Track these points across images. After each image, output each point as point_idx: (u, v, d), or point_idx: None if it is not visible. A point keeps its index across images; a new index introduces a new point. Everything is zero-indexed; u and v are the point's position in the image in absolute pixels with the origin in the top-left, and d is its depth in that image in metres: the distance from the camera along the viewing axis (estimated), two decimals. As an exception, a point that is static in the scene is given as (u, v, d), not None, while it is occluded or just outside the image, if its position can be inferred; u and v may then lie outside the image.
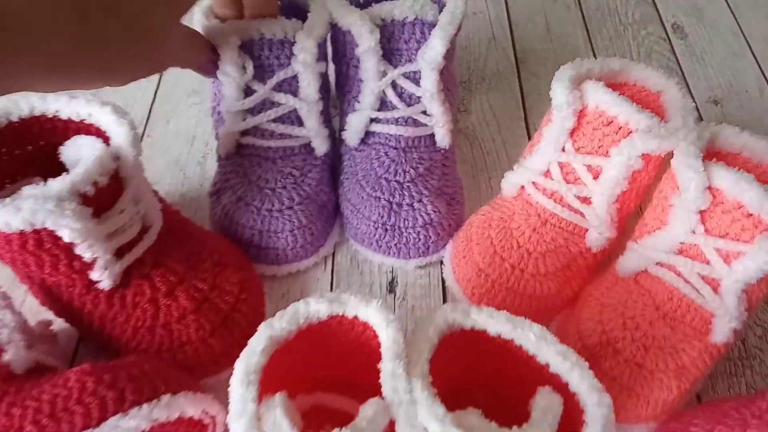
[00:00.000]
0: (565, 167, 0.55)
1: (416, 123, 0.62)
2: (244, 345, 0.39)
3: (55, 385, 0.42)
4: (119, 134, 0.48)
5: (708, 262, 0.49)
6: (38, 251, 0.45)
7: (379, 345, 0.40)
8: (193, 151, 0.73)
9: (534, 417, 0.38)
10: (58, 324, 0.54)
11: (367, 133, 0.63)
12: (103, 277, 0.48)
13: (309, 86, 0.59)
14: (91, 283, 0.48)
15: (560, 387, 0.39)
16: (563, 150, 0.55)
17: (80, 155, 0.47)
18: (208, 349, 0.51)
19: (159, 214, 0.53)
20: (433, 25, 0.57)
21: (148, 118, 0.76)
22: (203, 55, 0.56)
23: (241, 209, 0.59)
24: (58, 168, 0.50)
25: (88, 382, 0.41)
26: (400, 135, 0.62)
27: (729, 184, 0.46)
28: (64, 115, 0.50)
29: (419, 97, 0.60)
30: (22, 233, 0.43)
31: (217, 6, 0.57)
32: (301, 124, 0.61)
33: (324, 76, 0.61)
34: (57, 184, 0.43)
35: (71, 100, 0.49)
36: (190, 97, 0.78)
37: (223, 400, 0.40)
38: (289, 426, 0.36)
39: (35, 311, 0.56)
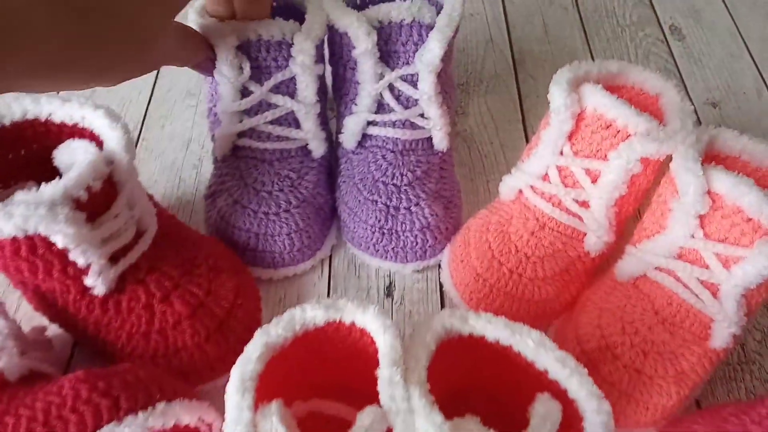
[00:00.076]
0: (564, 171, 0.55)
1: (413, 126, 0.62)
2: (240, 351, 0.39)
3: (48, 392, 0.41)
4: (113, 138, 0.47)
5: (707, 267, 0.49)
6: (31, 257, 0.44)
7: (376, 351, 0.39)
8: (188, 155, 0.72)
9: (533, 424, 0.38)
10: (53, 329, 0.53)
11: (364, 136, 0.63)
12: (97, 283, 0.47)
13: (307, 88, 0.58)
14: (86, 289, 0.48)
15: (559, 393, 0.39)
16: (561, 153, 0.55)
17: (74, 159, 0.47)
18: (204, 355, 0.51)
19: (154, 219, 0.52)
20: (430, 27, 0.57)
21: (143, 121, 0.75)
22: (200, 54, 0.55)
23: (238, 212, 0.59)
24: (51, 172, 0.49)
25: (82, 390, 0.41)
26: (397, 138, 0.62)
27: (728, 188, 0.46)
28: (57, 119, 0.50)
29: (416, 100, 0.60)
30: (14, 239, 0.43)
31: (210, 4, 0.57)
32: (298, 126, 0.61)
33: (321, 78, 0.61)
34: (50, 190, 0.43)
35: (64, 104, 0.49)
36: (186, 99, 0.78)
37: (219, 407, 0.40)
38: (285, 434, 0.35)
39: (29, 316, 0.55)
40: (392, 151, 0.62)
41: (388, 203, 0.60)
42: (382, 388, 0.37)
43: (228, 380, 0.38)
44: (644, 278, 0.53)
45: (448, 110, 0.62)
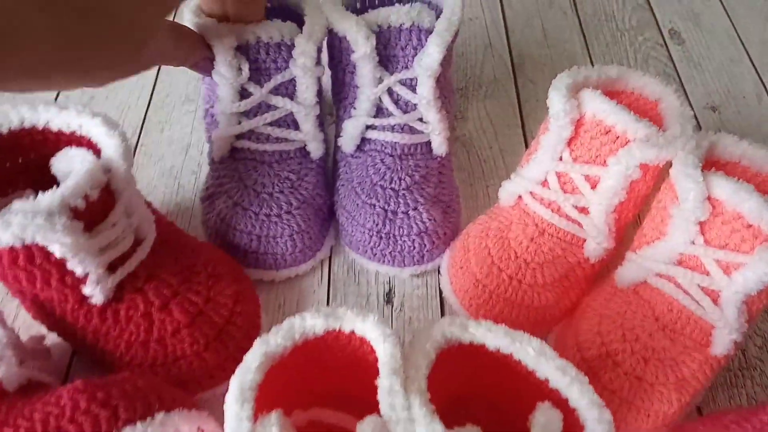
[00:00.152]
0: (563, 177, 0.55)
1: (412, 130, 0.61)
2: (239, 358, 0.39)
3: (47, 403, 0.41)
4: (110, 146, 0.47)
5: (708, 273, 0.48)
6: (29, 267, 0.44)
7: (376, 360, 0.39)
8: (187, 160, 0.72)
9: (534, 433, 0.38)
10: (51, 338, 0.53)
11: (363, 140, 0.63)
12: (95, 292, 0.47)
13: (307, 90, 0.58)
14: (84, 298, 0.48)
15: (560, 402, 0.39)
16: (561, 159, 0.55)
17: (71, 167, 0.47)
18: (203, 363, 0.51)
19: (152, 226, 0.52)
20: (429, 31, 0.57)
21: (142, 127, 0.75)
22: (197, 54, 0.55)
23: (239, 214, 0.59)
24: (49, 180, 0.49)
25: (80, 400, 0.41)
26: (396, 142, 0.61)
27: (728, 194, 0.46)
28: (54, 127, 0.49)
29: (415, 105, 0.60)
30: (12, 249, 0.43)
31: (205, 3, 0.56)
32: (296, 127, 0.61)
33: (318, 81, 0.61)
34: (47, 199, 0.43)
35: (61, 111, 0.49)
36: (185, 104, 0.78)
37: (219, 416, 0.40)
38: (284, 445, 0.35)
39: (28, 325, 0.55)
40: (391, 156, 0.62)
41: (386, 207, 0.60)
42: (382, 397, 0.37)
43: (227, 388, 0.37)
44: (644, 285, 0.53)
45: (447, 115, 0.62)
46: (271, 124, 0.60)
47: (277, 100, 0.58)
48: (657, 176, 0.54)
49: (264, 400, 0.38)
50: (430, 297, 0.62)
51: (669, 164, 0.50)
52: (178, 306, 0.50)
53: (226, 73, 0.56)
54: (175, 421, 0.42)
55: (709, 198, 0.47)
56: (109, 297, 0.49)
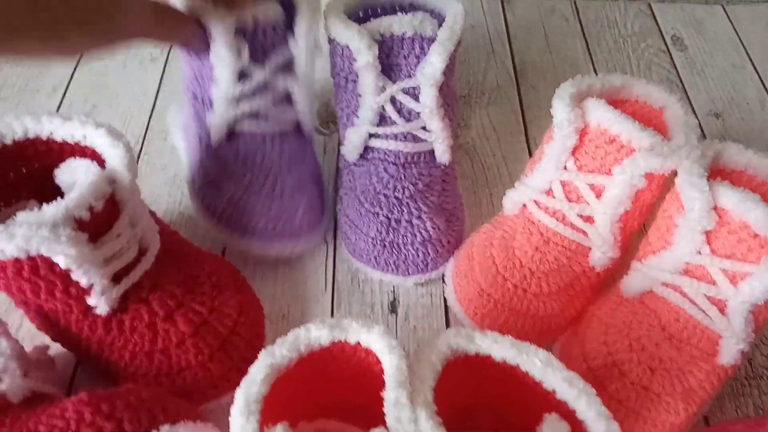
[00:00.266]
0: (568, 186, 0.55)
1: (416, 138, 0.61)
2: (244, 369, 0.38)
3: (52, 415, 0.41)
4: (114, 157, 0.47)
5: (714, 283, 0.48)
6: (34, 278, 0.44)
7: (381, 370, 0.39)
8: (190, 169, 0.72)
9: (541, 445, 0.37)
10: (55, 348, 0.53)
11: (366, 149, 0.63)
12: (100, 303, 0.47)
13: (307, 67, 0.59)
14: (89, 309, 0.48)
15: (567, 414, 0.39)
16: (565, 168, 0.54)
17: (75, 178, 0.46)
18: (208, 373, 0.50)
19: (156, 237, 0.52)
20: (432, 40, 0.57)
21: (144, 136, 0.75)
22: (182, 33, 0.54)
23: (253, 196, 0.59)
24: (53, 190, 0.49)
25: (85, 413, 0.40)
26: (399, 150, 0.61)
27: (735, 203, 0.46)
28: (58, 138, 0.49)
29: (418, 113, 0.60)
30: (16, 260, 0.42)
31: None
32: (291, 105, 0.62)
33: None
34: (51, 210, 0.43)
35: (65, 122, 0.49)
36: (188, 113, 0.78)
37: (224, 426, 0.40)
38: (290, 458, 0.35)
39: (32, 335, 0.55)
40: (394, 164, 0.62)
41: (390, 216, 0.60)
42: (389, 410, 0.37)
43: (232, 399, 0.37)
44: (650, 294, 0.52)
45: (450, 123, 0.62)
46: (271, 104, 0.60)
47: (278, 80, 0.59)
48: (662, 185, 0.54)
49: (269, 411, 0.38)
50: (434, 306, 0.62)
51: (674, 173, 0.50)
52: (183, 316, 0.50)
53: (226, 56, 0.55)
54: (180, 434, 0.42)
55: (715, 207, 0.47)
56: (114, 307, 0.48)
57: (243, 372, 0.38)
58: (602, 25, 0.92)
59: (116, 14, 0.43)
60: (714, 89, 0.84)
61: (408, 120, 0.60)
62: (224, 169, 0.61)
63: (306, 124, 0.64)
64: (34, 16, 0.39)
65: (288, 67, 0.60)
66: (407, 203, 0.60)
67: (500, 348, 0.40)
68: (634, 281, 0.53)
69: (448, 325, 0.60)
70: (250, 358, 0.39)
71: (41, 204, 0.43)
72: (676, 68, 0.86)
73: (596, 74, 0.56)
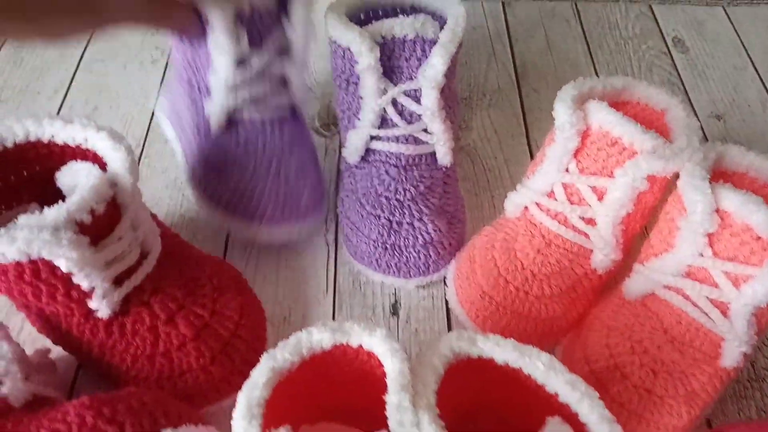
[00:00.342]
0: (569, 188, 0.55)
1: (417, 141, 0.61)
2: (246, 371, 0.38)
3: (53, 419, 0.41)
4: (116, 160, 0.47)
5: (716, 286, 0.48)
6: (35, 281, 0.44)
7: (383, 374, 0.39)
8: (191, 171, 0.72)
9: (543, 448, 0.37)
10: (57, 351, 0.53)
11: (368, 151, 0.63)
12: (101, 306, 0.47)
13: (304, 50, 0.59)
14: (90, 312, 0.48)
15: (570, 417, 0.38)
16: (567, 171, 0.54)
17: (76, 181, 0.47)
18: (209, 376, 0.50)
19: (158, 240, 0.52)
20: (433, 42, 0.57)
21: (145, 138, 0.75)
22: (174, 18, 0.54)
23: (259, 184, 0.59)
24: (54, 193, 0.49)
25: (87, 417, 0.40)
26: (400, 153, 0.61)
27: (737, 206, 0.46)
28: (59, 141, 0.49)
29: (420, 115, 0.60)
30: (18, 264, 0.42)
31: None
32: (287, 88, 0.62)
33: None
34: (53, 213, 0.43)
35: (66, 125, 0.49)
36: (189, 115, 0.78)
37: (225, 430, 0.39)
38: (293, 462, 0.35)
39: (33, 337, 0.55)
40: (395, 166, 0.62)
41: (392, 218, 0.60)
42: (391, 413, 0.37)
43: (233, 402, 0.37)
44: (653, 297, 0.52)
45: (452, 125, 0.62)
46: (270, 88, 0.60)
47: (276, 63, 0.59)
48: (664, 187, 0.54)
49: (271, 414, 0.38)
50: (436, 308, 0.61)
51: (676, 175, 0.50)
52: (184, 319, 0.50)
53: (225, 43, 0.55)
54: (182, 437, 0.41)
55: (717, 210, 0.47)
56: (115, 311, 0.48)
57: (244, 375, 0.38)
58: (603, 26, 0.92)
59: (105, 3, 0.43)
60: (715, 91, 0.84)
61: (409, 122, 0.60)
62: (226, 157, 0.61)
63: (300, 106, 0.64)
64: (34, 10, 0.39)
65: (284, 50, 0.59)
66: (408, 205, 0.60)
67: (503, 351, 0.40)
68: (636, 284, 0.53)
69: (449, 327, 0.60)
70: (252, 361, 0.39)
71: (42, 207, 0.43)
72: (677, 70, 0.86)
73: (597, 76, 0.56)
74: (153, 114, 0.77)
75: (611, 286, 0.58)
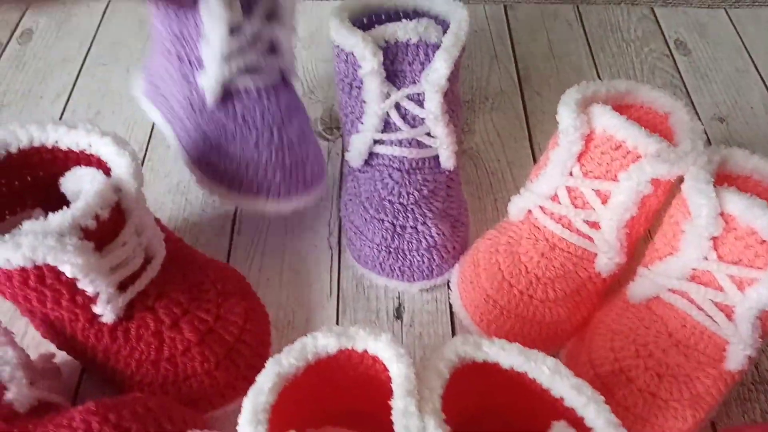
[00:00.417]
0: (573, 191, 0.55)
1: (420, 145, 0.61)
2: (250, 376, 0.38)
3: (59, 425, 0.41)
4: (120, 165, 0.47)
5: (721, 289, 0.48)
6: (40, 287, 0.44)
7: (389, 378, 0.39)
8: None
9: (549, 453, 0.37)
10: (61, 356, 0.53)
11: (371, 155, 0.63)
12: (106, 311, 0.47)
13: (292, 14, 0.59)
14: (94, 317, 0.48)
15: (575, 421, 0.38)
16: (571, 174, 0.54)
17: (80, 187, 0.47)
18: (214, 381, 0.50)
19: (162, 245, 0.52)
20: (437, 46, 0.57)
21: (148, 143, 0.75)
22: None
23: (264, 153, 0.59)
24: (58, 198, 0.49)
25: (92, 422, 0.40)
26: (404, 157, 0.61)
27: (741, 209, 0.45)
28: (63, 146, 0.49)
29: (423, 119, 0.60)
30: (23, 270, 0.42)
31: None
32: (276, 55, 0.61)
33: None
34: (57, 219, 0.43)
35: (70, 130, 0.49)
36: (191, 119, 0.78)
37: (230, 436, 0.40)
38: (299, 467, 0.35)
39: (37, 342, 0.55)
40: (399, 170, 0.62)
41: (395, 222, 0.60)
42: (397, 419, 0.37)
43: (238, 406, 0.37)
44: (657, 300, 0.52)
45: (455, 128, 0.62)
46: (261, 54, 0.60)
47: (267, 29, 0.58)
48: (668, 191, 0.54)
49: (277, 419, 0.38)
50: (440, 312, 0.61)
51: (680, 179, 0.50)
52: (188, 324, 0.50)
53: (219, 10, 0.54)
54: (187, 442, 0.41)
55: (722, 213, 0.47)
56: (120, 316, 0.49)
57: (249, 379, 0.38)
58: (605, 29, 0.92)
59: None
60: (718, 93, 0.84)
61: (412, 126, 0.60)
62: (225, 131, 0.60)
63: (290, 72, 0.63)
64: None
65: (272, 14, 0.58)
66: (412, 209, 0.60)
67: (508, 355, 0.40)
68: (640, 287, 0.53)
69: (453, 331, 0.60)
70: (256, 366, 0.39)
71: (47, 213, 0.43)
72: (679, 72, 0.86)
73: (600, 79, 0.56)
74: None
75: (615, 290, 0.58)
